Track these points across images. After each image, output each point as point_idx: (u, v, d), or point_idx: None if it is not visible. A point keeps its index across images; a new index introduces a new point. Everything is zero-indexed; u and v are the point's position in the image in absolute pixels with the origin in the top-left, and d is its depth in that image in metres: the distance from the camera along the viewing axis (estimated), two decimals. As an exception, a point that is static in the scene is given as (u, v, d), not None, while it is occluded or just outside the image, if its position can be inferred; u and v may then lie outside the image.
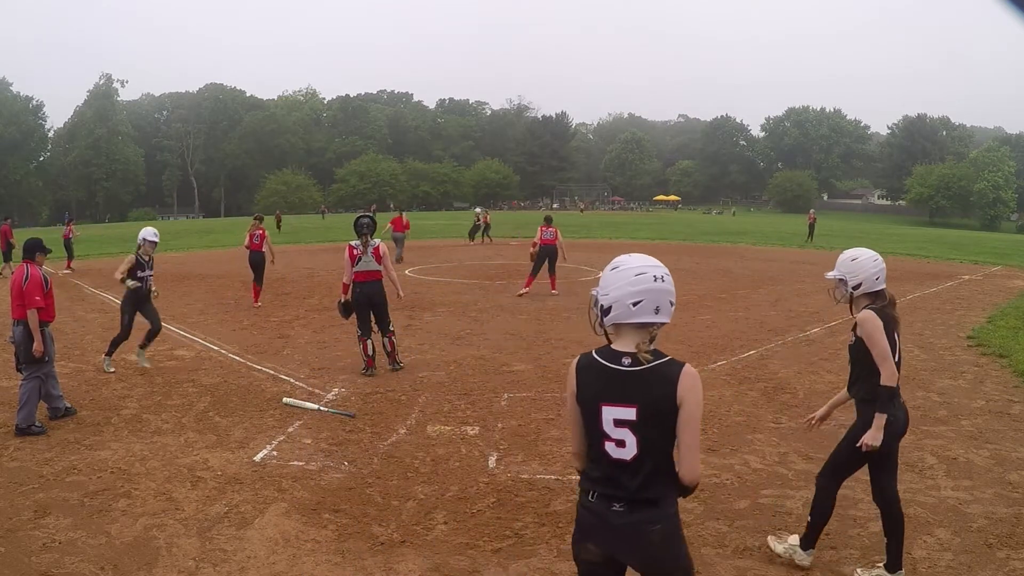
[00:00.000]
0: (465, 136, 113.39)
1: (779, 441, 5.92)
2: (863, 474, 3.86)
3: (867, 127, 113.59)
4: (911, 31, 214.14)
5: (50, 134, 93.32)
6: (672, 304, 2.29)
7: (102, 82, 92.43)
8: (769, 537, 4.11)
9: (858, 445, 3.62)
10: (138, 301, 8.36)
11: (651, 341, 2.28)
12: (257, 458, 5.54)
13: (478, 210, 35.50)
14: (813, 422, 4.05)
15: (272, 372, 8.21)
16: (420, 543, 4.23)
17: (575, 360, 2.37)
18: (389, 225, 21.60)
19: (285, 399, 7.02)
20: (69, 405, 6.62)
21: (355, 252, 7.95)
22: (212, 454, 5.63)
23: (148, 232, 8.52)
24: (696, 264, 21.41)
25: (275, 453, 5.66)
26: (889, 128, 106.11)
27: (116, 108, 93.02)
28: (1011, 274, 20.17)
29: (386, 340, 8.22)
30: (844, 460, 3.79)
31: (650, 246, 30.07)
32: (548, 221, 14.55)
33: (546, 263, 14.31)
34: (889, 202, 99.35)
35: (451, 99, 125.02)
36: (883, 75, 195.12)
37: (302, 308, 12.83)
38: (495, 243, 30.05)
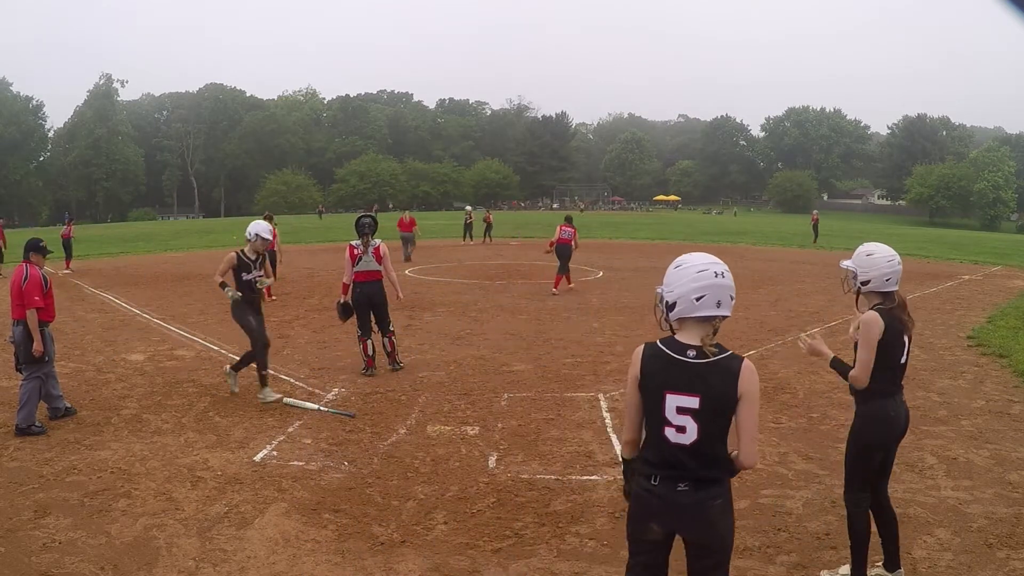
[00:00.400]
0: (465, 136, 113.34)
1: (779, 441, 5.92)
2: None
3: (867, 127, 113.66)
4: (911, 31, 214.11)
5: (50, 134, 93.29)
6: (732, 299, 2.47)
7: (102, 82, 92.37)
8: (823, 572, 3.92)
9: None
10: (249, 306, 7.02)
11: (714, 334, 2.46)
12: (257, 458, 5.55)
13: (468, 208, 35.44)
14: (808, 341, 3.76)
15: (272, 372, 8.18)
16: (420, 543, 4.23)
17: (639, 349, 2.53)
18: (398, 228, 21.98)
19: (285, 399, 7.02)
20: (69, 405, 6.63)
21: (356, 252, 7.95)
22: (212, 454, 5.63)
23: (262, 228, 7.01)
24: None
25: (275, 453, 5.66)
26: (889, 128, 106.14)
27: (116, 108, 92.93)
28: (1011, 274, 20.16)
29: (386, 340, 8.22)
30: (851, 462, 3.75)
31: (650, 246, 30.07)
32: (568, 221, 14.81)
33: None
34: (889, 202, 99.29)
35: (451, 99, 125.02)
36: (883, 75, 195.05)
37: (302, 308, 12.84)
38: (495, 243, 30.04)
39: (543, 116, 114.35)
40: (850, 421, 3.79)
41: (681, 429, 2.41)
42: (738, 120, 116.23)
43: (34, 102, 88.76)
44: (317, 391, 7.45)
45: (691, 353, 2.42)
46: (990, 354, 9.12)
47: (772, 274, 18.98)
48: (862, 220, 77.47)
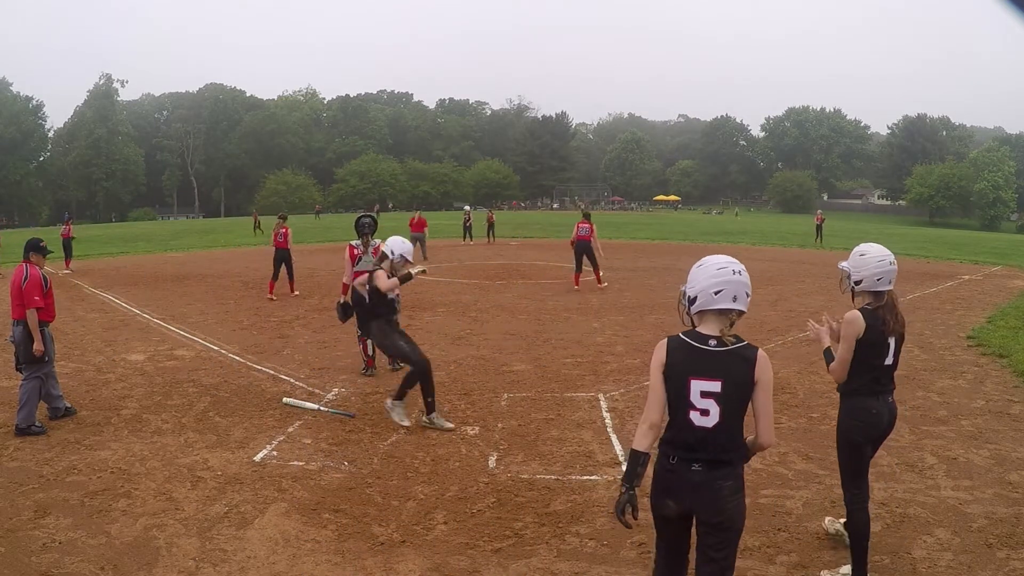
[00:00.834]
0: (465, 136, 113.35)
1: (779, 441, 5.90)
2: (870, 477, 3.86)
3: (867, 127, 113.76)
4: (911, 31, 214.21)
5: (50, 134, 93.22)
6: (748, 295, 2.71)
7: (102, 82, 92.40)
8: (823, 572, 3.92)
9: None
10: (391, 326, 6.64)
11: (731, 326, 2.70)
12: (257, 458, 5.55)
13: (467, 208, 35.45)
14: (815, 326, 3.87)
15: (272, 372, 8.20)
16: (420, 543, 4.23)
17: (664, 341, 2.76)
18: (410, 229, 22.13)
19: (285, 399, 7.02)
20: (69, 405, 6.63)
21: (356, 252, 7.95)
22: (212, 454, 5.63)
23: (405, 248, 6.40)
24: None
25: (275, 453, 5.66)
26: (889, 128, 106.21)
27: (116, 108, 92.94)
28: (1011, 274, 20.15)
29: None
30: (839, 459, 3.79)
31: (650, 246, 30.07)
32: (586, 218, 14.83)
33: (584, 259, 14.68)
34: (889, 202, 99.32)
35: (451, 99, 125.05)
36: (883, 75, 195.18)
37: (302, 308, 12.84)
38: (496, 243, 30.05)
39: (543, 116, 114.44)
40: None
41: (705, 412, 2.64)
42: (738, 120, 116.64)
43: (34, 102, 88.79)
44: (317, 391, 7.45)
45: (712, 342, 2.66)
46: (990, 354, 9.12)
47: (772, 274, 18.96)
48: (862, 220, 77.52)
